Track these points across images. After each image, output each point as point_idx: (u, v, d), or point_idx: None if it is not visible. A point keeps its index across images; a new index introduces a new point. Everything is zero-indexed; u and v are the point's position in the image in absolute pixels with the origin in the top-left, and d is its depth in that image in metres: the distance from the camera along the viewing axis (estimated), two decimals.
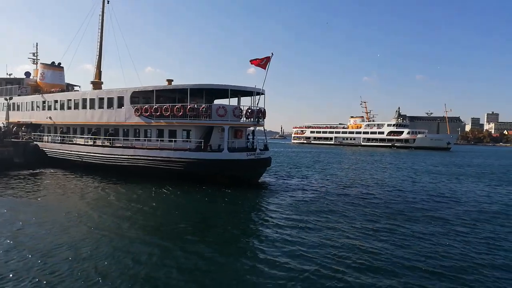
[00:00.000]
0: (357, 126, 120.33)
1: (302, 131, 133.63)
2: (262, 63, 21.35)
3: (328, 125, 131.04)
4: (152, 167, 21.37)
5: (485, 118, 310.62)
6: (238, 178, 20.49)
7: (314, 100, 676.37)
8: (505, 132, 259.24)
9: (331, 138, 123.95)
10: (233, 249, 9.81)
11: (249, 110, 22.10)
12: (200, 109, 20.76)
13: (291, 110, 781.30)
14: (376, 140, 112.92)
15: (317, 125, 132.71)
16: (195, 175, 20.24)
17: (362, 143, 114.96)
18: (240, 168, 20.40)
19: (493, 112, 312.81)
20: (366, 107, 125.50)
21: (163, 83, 23.54)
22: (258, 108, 22.35)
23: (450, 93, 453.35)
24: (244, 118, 22.26)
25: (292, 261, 8.74)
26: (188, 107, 20.84)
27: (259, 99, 22.38)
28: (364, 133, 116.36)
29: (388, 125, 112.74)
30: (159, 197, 17.00)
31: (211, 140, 21.06)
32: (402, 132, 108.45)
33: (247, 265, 8.55)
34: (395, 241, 10.71)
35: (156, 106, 21.83)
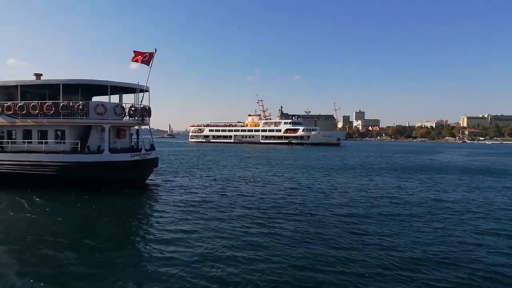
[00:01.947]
0: (255, 124, 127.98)
1: (200, 129, 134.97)
2: (145, 59, 22.01)
3: (227, 124, 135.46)
4: (18, 173, 20.06)
5: (354, 115, 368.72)
6: (122, 180, 20.73)
7: (207, 99, 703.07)
8: (370, 128, 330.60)
9: (230, 137, 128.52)
10: (117, 255, 10.11)
11: (133, 108, 22.52)
12: (76, 106, 20.35)
13: (182, 109, 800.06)
14: (274, 137, 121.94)
15: (215, 124, 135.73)
16: (72, 179, 19.82)
17: (261, 141, 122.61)
18: (124, 170, 20.67)
19: (360, 110, 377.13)
20: (262, 106, 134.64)
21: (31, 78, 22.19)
22: (142, 106, 22.93)
23: (324, 92, 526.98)
24: (127, 116, 22.60)
25: (178, 261, 9.48)
26: (61, 104, 20.22)
27: (143, 97, 22.96)
28: (263, 130, 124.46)
29: (285, 123, 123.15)
30: (30, 207, 16.01)
31: (89, 140, 20.81)
32: (297, 130, 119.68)
33: (133, 269, 9.08)
34: (272, 235, 12.46)
35: (21, 104, 20.52)
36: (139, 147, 22.92)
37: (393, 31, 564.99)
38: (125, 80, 22.84)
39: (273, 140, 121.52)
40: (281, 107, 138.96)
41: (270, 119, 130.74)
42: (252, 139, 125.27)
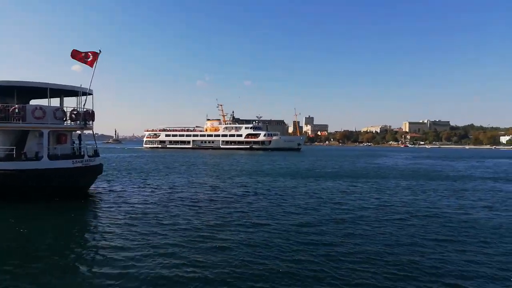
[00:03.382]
0: (215, 129, 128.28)
1: (155, 134, 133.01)
2: (88, 59, 21.95)
3: (185, 128, 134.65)
4: None
5: (304, 121, 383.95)
6: (63, 189, 20.45)
7: (155, 104, 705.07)
8: (319, 133, 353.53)
9: (188, 142, 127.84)
10: (60, 269, 10.04)
11: (75, 112, 22.34)
12: (10, 110, 19.91)
13: (128, 114, 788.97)
14: (235, 142, 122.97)
15: (172, 128, 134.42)
16: (6, 189, 19.31)
17: (222, 146, 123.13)
18: (64, 178, 20.42)
19: (309, 116, 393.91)
20: (222, 110, 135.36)
21: None
22: (85, 109, 22.81)
23: (274, 98, 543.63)
24: (69, 120, 22.38)
25: (123, 272, 9.67)
26: None
27: (86, 100, 22.83)
28: (223, 135, 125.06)
29: (246, 127, 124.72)
30: None
31: (26, 147, 20.39)
32: (259, 135, 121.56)
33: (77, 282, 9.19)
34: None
35: None
36: (82, 153, 22.73)
37: (338, 39, 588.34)
38: (68, 83, 22.65)
39: (234, 145, 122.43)
40: (233, 112, 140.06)
41: (230, 123, 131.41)
42: (212, 145, 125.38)
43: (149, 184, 27.82)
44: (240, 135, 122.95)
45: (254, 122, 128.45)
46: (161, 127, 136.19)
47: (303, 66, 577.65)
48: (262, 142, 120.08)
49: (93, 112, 23.40)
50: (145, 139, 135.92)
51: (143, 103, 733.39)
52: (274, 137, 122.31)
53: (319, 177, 34.60)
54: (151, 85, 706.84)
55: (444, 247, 12.17)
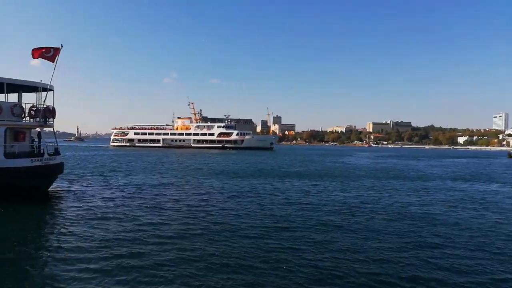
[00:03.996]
0: (186, 128, 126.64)
1: (124, 132, 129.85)
2: (49, 54, 21.17)
3: (154, 126, 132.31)
4: None
5: (271, 120, 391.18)
6: (21, 189, 19.65)
7: (120, 101, 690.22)
8: (286, 132, 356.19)
9: (158, 140, 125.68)
10: (13, 271, 9.68)
11: (34, 108, 21.45)
12: None
13: (91, 111, 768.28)
14: (207, 141, 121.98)
15: (142, 126, 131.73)
16: None
17: (193, 145, 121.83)
18: (23, 177, 19.62)
19: (277, 115, 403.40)
20: (194, 108, 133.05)
21: None
22: (45, 106, 21.95)
23: (242, 97, 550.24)
24: (28, 117, 21.47)
25: (78, 274, 9.39)
26: None
27: (46, 96, 21.97)
28: (195, 134, 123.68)
29: (218, 126, 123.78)
30: None
31: None
32: (231, 134, 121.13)
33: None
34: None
35: None
36: (41, 151, 21.82)
37: (306, 39, 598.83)
38: (27, 78, 21.73)
39: (205, 144, 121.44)
40: (200, 110, 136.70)
41: (200, 121, 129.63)
42: (182, 143, 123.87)
43: (111, 184, 26.99)
44: (212, 134, 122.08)
45: (226, 121, 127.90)
46: (130, 124, 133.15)
47: (271, 66, 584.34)
48: (235, 141, 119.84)
49: (53, 109, 22.54)
50: (112, 137, 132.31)
51: (108, 101, 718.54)
52: (247, 136, 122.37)
53: (303, 177, 35.07)
54: (116, 82, 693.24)
55: (406, 243, 12.61)
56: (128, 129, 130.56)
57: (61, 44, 21.43)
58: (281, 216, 16.77)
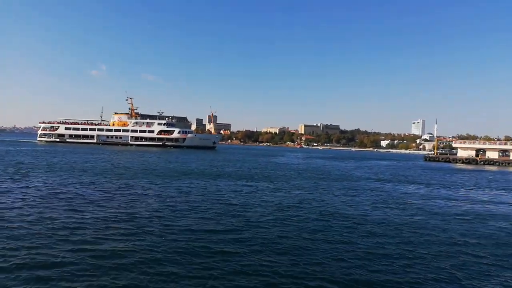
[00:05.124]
0: (124, 124, 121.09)
1: (53, 127, 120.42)
2: None
3: (88, 122, 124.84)
4: None
5: (207, 119, 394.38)
6: None
7: (43, 91, 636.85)
8: (222, 132, 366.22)
9: (92, 136, 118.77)
10: None
11: None
12: None
13: (11, 103, 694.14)
14: (146, 139, 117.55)
15: (74, 121, 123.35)
16: None
17: (131, 142, 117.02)
18: None
19: (212, 113, 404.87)
20: (132, 104, 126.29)
21: None
22: None
23: (177, 94, 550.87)
24: None
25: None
26: None
27: None
28: (133, 131, 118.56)
29: (159, 124, 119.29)
30: None
31: None
32: (173, 132, 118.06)
33: None
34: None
35: None
36: None
37: (242, 42, 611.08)
38: None
39: (145, 141, 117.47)
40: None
41: (138, 117, 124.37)
42: (119, 140, 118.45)
43: (25, 184, 24.06)
44: (152, 131, 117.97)
45: (167, 118, 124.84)
46: (60, 118, 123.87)
47: (206, 66, 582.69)
48: (176, 140, 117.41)
49: None
50: (40, 131, 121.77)
51: (28, 92, 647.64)
52: (189, 135, 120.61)
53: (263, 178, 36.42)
54: (39, 73, 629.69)
55: (334, 238, 13.53)
56: (58, 123, 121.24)
57: None
58: (211, 218, 16.14)
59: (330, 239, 13.47)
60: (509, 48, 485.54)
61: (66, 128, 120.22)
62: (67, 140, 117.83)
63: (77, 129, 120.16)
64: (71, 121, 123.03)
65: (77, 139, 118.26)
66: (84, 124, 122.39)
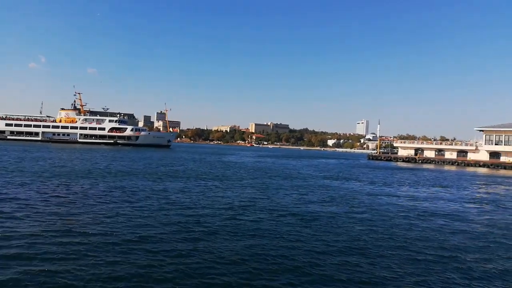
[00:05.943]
0: (71, 120, 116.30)
1: None
2: None
3: (32, 118, 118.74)
4: None
5: (155, 116, 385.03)
6: None
7: None
8: (170, 129, 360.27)
9: (37, 133, 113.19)
10: None
11: None
12: None
13: None
14: (96, 136, 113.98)
15: (16, 117, 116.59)
16: None
17: (79, 140, 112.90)
18: None
19: (161, 111, 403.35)
20: (81, 99, 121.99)
21: None
22: None
23: (125, 90, 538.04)
24: None
25: None
26: None
27: None
28: (82, 128, 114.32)
29: (110, 121, 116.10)
30: None
31: None
32: (125, 129, 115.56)
33: None
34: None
35: None
36: None
37: (191, 40, 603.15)
38: None
39: (95, 139, 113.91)
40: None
41: (88, 114, 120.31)
42: (67, 138, 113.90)
43: None
44: (103, 129, 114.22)
45: (119, 115, 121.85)
46: (0, 114, 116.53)
47: (156, 61, 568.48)
48: (129, 138, 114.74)
49: None
50: None
51: None
52: (143, 133, 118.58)
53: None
54: None
55: (286, 234, 13.85)
56: None
57: None
58: (157, 218, 15.51)
59: (281, 237, 13.56)
60: (446, 55, 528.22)
61: (7, 124, 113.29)
62: (8, 137, 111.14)
63: (20, 125, 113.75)
64: (12, 116, 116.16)
65: (19, 136, 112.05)
66: (28, 120, 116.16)
